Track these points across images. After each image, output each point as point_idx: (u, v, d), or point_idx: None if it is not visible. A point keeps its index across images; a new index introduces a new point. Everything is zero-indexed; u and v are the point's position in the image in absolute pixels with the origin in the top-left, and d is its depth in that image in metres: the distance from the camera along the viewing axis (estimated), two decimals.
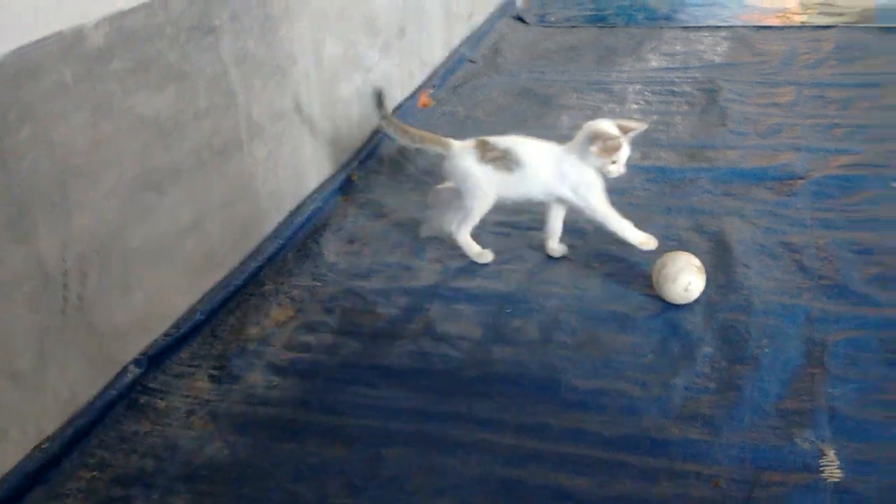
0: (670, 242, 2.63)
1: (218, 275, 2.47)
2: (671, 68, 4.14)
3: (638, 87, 3.94)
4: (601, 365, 2.13)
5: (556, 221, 2.59)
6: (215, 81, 2.38)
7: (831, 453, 1.80)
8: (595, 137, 2.37)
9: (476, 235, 2.76)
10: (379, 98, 2.65)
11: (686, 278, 2.30)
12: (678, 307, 2.33)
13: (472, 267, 2.59)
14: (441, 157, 2.57)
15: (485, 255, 2.58)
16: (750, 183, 2.98)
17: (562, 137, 3.34)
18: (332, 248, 2.73)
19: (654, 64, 4.22)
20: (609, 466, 1.82)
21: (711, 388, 2.03)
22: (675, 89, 3.88)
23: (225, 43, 2.40)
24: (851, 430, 1.88)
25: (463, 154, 2.50)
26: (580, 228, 2.74)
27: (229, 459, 1.91)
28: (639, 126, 2.41)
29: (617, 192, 2.90)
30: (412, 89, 3.80)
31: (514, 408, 2.01)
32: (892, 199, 2.79)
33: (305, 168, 2.93)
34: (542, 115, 3.69)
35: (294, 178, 2.86)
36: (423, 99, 3.86)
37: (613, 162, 2.39)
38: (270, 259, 2.65)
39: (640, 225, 2.73)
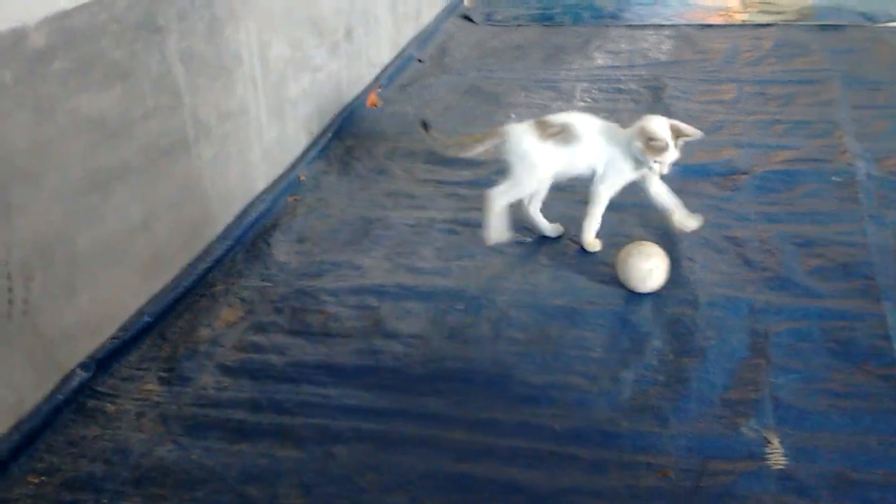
0: (620, 239, 2.66)
1: (167, 276, 2.45)
2: (617, 66, 4.19)
3: (585, 84, 3.98)
4: (551, 359, 2.15)
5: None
6: (161, 81, 2.36)
7: (776, 441, 1.84)
8: (642, 134, 2.39)
9: (424, 233, 2.77)
10: (425, 126, 2.70)
11: (655, 261, 2.35)
12: (626, 301, 2.36)
13: (422, 265, 2.60)
14: (500, 146, 2.57)
15: (496, 233, 2.59)
16: (695, 178, 3.02)
17: None
18: (281, 248, 2.72)
19: (600, 62, 4.27)
20: (560, 459, 1.85)
21: (660, 381, 2.06)
22: (622, 87, 3.92)
23: (171, 42, 2.38)
24: (794, 418, 1.92)
25: (523, 135, 2.53)
26: (527, 225, 2.76)
27: (180, 462, 1.89)
28: (694, 133, 2.42)
29: (569, 188, 2.94)
30: (361, 89, 3.79)
31: (466, 404, 2.02)
32: (831, 193, 2.86)
33: (254, 168, 2.91)
34: (491, 113, 3.70)
35: (242, 179, 2.85)
36: (372, 98, 3.87)
37: (656, 161, 2.41)
38: (220, 260, 2.64)
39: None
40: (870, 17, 4.59)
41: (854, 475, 1.76)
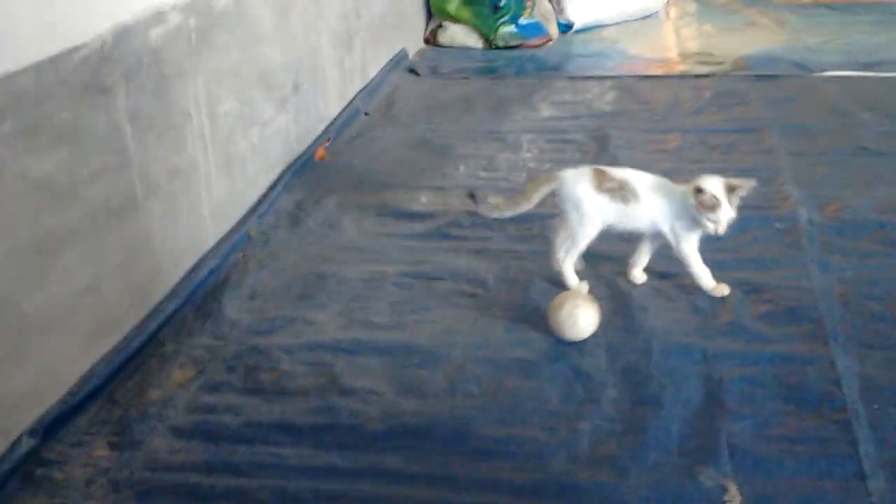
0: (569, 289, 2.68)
1: (116, 337, 2.41)
2: (562, 117, 4.26)
3: (531, 135, 4.03)
4: (508, 412, 2.15)
5: (645, 252, 2.66)
6: (109, 140, 2.34)
7: (733, 489, 1.85)
8: (694, 190, 2.39)
9: (378, 287, 2.77)
10: (472, 198, 2.71)
11: (571, 303, 2.37)
12: (580, 352, 2.37)
13: (376, 320, 2.59)
14: (556, 190, 2.56)
15: (581, 287, 2.60)
16: None
17: (458, 187, 3.41)
18: (232, 305, 2.69)
19: (545, 113, 4.33)
20: None
21: (617, 431, 2.07)
22: (567, 137, 3.98)
23: (118, 102, 2.37)
24: (750, 465, 1.94)
25: (578, 181, 2.53)
26: (480, 278, 2.77)
27: None
28: (747, 184, 2.41)
29: (516, 240, 2.97)
30: (309, 142, 3.80)
31: (424, 460, 2.01)
32: (776, 239, 2.92)
33: (203, 225, 2.89)
34: (440, 165, 3.73)
35: (192, 236, 2.82)
36: (320, 152, 3.87)
37: (711, 221, 2.40)
38: (170, 318, 2.60)
39: (538, 272, 2.80)
40: (804, 67, 4.73)
41: None
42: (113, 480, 1.99)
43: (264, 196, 3.35)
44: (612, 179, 2.53)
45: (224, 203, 3.03)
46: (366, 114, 4.47)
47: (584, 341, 2.42)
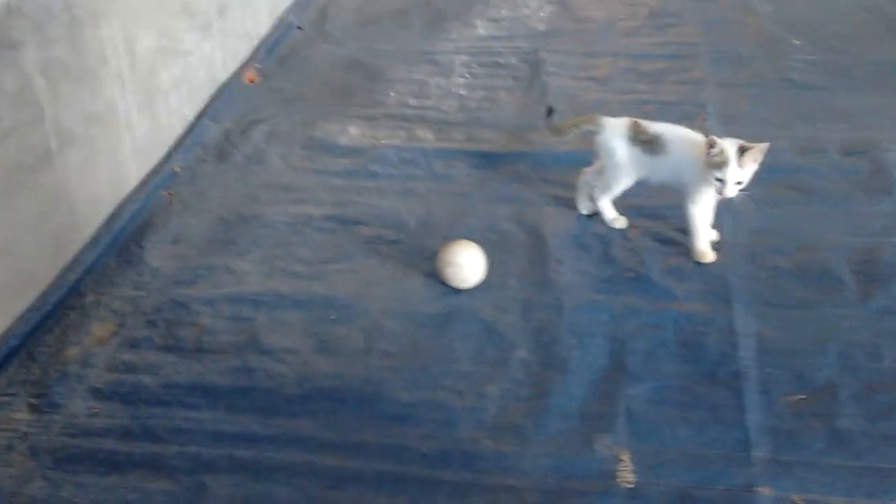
0: (491, 236, 2.74)
1: (33, 293, 2.42)
2: (497, 37, 4.21)
3: (465, 57, 3.99)
4: (421, 374, 2.23)
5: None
6: (20, 97, 2.30)
7: (626, 458, 1.96)
8: (709, 145, 2.40)
9: (301, 231, 2.79)
10: (550, 112, 2.81)
11: (446, 252, 2.46)
12: (495, 308, 2.43)
13: (297, 269, 2.62)
14: (593, 133, 2.64)
15: (619, 221, 2.71)
16: (568, 168, 3.07)
17: (387, 116, 3.41)
18: (155, 252, 2.70)
19: (480, 31, 4.27)
20: (425, 484, 1.93)
21: (523, 395, 2.16)
22: (501, 61, 3.95)
23: (28, 56, 2.31)
24: (645, 432, 2.04)
25: (615, 132, 2.60)
26: (403, 222, 2.81)
27: (50, 500, 1.91)
28: (760, 147, 2.38)
29: (441, 179, 3.00)
30: (237, 66, 3.73)
31: (337, 425, 2.08)
32: None
33: (125, 167, 2.87)
34: (371, 90, 3.70)
35: (114, 180, 2.80)
36: (250, 75, 3.81)
37: (718, 179, 2.40)
38: (91, 268, 2.61)
39: (462, 215, 2.84)
40: None
41: (696, 492, 1.90)
42: (32, 447, 2.04)
43: (191, 129, 3.31)
44: (646, 133, 2.58)
45: (147, 141, 2.99)
46: (299, 28, 4.37)
47: (499, 295, 2.49)
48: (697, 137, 2.52)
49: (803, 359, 2.23)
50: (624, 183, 2.68)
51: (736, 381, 2.17)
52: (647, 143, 2.58)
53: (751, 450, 1.98)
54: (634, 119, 2.65)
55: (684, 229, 2.65)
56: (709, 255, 2.57)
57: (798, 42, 4.01)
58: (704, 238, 2.59)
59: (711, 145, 2.40)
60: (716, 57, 3.92)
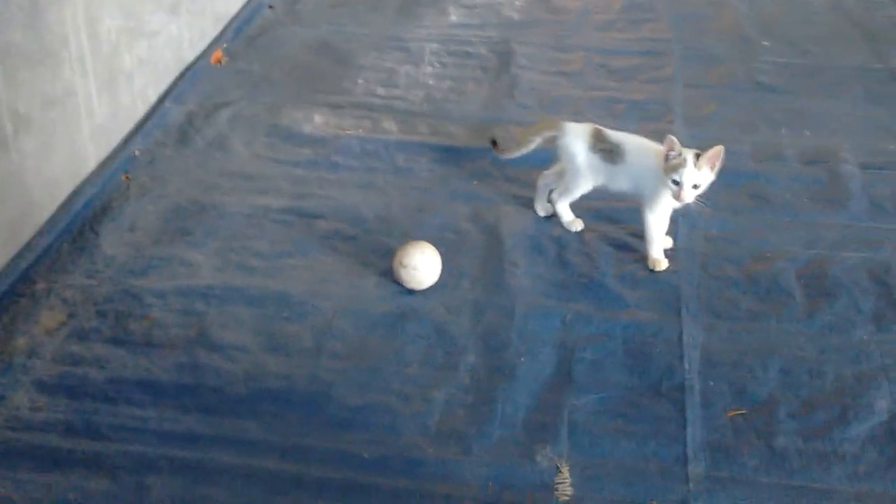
0: (449, 235, 2.74)
1: None
2: (469, 25, 4.19)
3: (435, 45, 3.98)
4: (369, 376, 2.24)
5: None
6: None
7: (566, 470, 1.99)
8: (668, 146, 2.41)
9: (259, 224, 2.79)
10: (494, 144, 2.87)
11: (402, 254, 2.46)
12: (447, 309, 2.45)
13: (252, 263, 2.62)
14: (554, 138, 2.66)
15: (576, 224, 2.74)
16: (530, 166, 3.06)
17: (354, 105, 3.39)
18: (110, 239, 2.69)
19: (453, 18, 4.25)
20: (365, 491, 1.95)
21: (468, 402, 2.17)
22: (471, 51, 3.94)
23: None
24: (586, 444, 2.07)
25: (576, 137, 2.62)
26: (362, 217, 2.81)
27: None
28: (711, 150, 2.39)
29: (403, 173, 2.99)
30: (203, 47, 3.69)
31: (282, 428, 2.09)
32: None
33: (83, 150, 2.84)
34: (339, 76, 3.69)
35: (71, 163, 2.78)
36: (217, 55, 3.78)
37: (674, 182, 2.41)
38: (44, 254, 2.60)
39: (421, 212, 2.84)
40: None
41: None
42: None
43: (153, 110, 3.28)
44: (606, 141, 2.59)
45: (107, 124, 2.97)
46: (270, 6, 4.34)
47: (452, 297, 2.50)
48: (657, 147, 2.53)
49: (746, 373, 2.26)
50: (583, 187, 2.69)
51: (679, 393, 2.20)
52: (607, 152, 2.59)
53: (688, 465, 2.01)
54: (597, 126, 2.65)
55: (640, 234, 2.67)
56: (662, 263, 2.59)
57: (767, 43, 4.03)
58: (660, 246, 2.61)
59: (671, 147, 2.40)
60: (686, 55, 3.93)
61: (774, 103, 3.56)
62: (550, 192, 2.77)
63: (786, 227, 2.81)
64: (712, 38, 4.12)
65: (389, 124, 3.35)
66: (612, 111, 3.50)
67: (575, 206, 2.77)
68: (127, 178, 2.98)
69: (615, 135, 2.63)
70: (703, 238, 2.75)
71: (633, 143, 2.60)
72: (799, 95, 3.61)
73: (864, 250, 2.69)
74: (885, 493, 1.95)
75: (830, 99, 3.58)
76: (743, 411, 2.15)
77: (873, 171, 3.09)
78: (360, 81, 3.66)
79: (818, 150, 3.20)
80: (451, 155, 3.17)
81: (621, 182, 2.62)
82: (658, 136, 3.12)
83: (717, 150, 2.40)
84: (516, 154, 2.83)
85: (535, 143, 2.76)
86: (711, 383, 2.23)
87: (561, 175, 2.73)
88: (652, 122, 3.42)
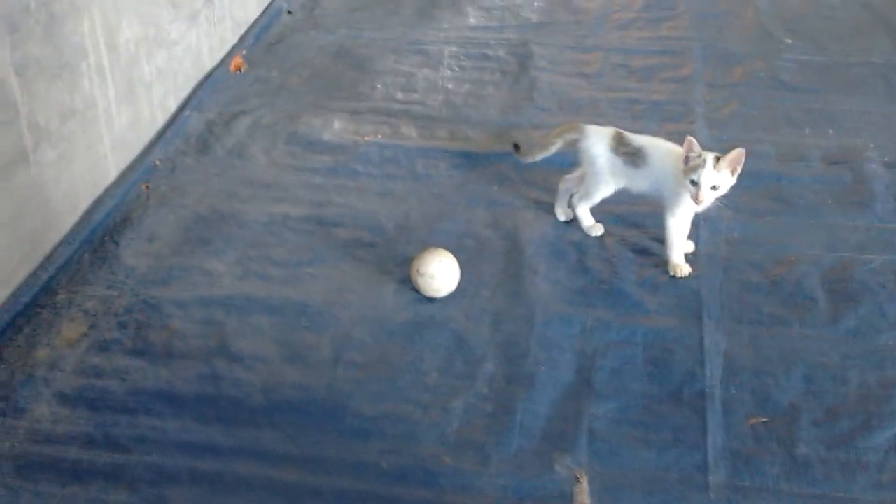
0: (468, 241, 2.74)
1: (5, 292, 2.42)
2: (488, 27, 4.18)
3: (454, 48, 3.97)
4: (387, 386, 2.23)
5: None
6: None
7: (584, 480, 1.97)
8: (687, 147, 2.40)
9: (278, 232, 2.79)
10: (516, 148, 2.86)
11: (419, 262, 2.45)
12: (466, 317, 2.44)
13: (272, 272, 2.62)
14: (576, 141, 2.65)
15: (596, 229, 2.72)
16: (549, 170, 3.06)
17: (373, 111, 3.39)
18: (131, 249, 2.70)
19: (472, 21, 4.24)
20: (384, 502, 1.94)
21: (487, 411, 2.16)
22: (490, 53, 3.93)
23: (3, 56, 2.30)
24: (606, 454, 2.05)
25: (598, 140, 2.61)
26: (381, 225, 2.81)
27: None
28: (732, 152, 2.38)
29: (422, 179, 2.99)
30: (223, 55, 3.71)
31: (300, 439, 2.09)
32: None
33: (104, 161, 2.86)
34: (357, 82, 3.69)
35: (91, 174, 2.80)
36: (237, 62, 3.79)
37: (693, 183, 2.39)
38: (65, 265, 2.61)
39: (441, 219, 2.84)
40: None
41: None
42: None
43: (172, 119, 3.30)
44: (628, 144, 2.58)
45: (127, 134, 2.99)
46: (289, 12, 4.35)
47: (471, 305, 2.49)
48: (679, 150, 2.51)
49: (768, 380, 2.23)
50: (603, 191, 2.67)
51: (700, 401, 2.18)
52: (629, 155, 2.57)
53: (708, 474, 1.99)
54: (618, 130, 2.64)
55: (661, 239, 2.65)
56: (684, 269, 2.57)
57: (790, 41, 3.98)
58: (680, 251, 2.59)
59: (690, 148, 2.39)
60: (707, 54, 3.90)
61: (797, 102, 3.52)
62: (571, 196, 2.75)
63: (809, 230, 2.78)
64: (733, 35, 4.08)
65: (408, 130, 3.35)
66: (632, 112, 3.48)
67: (595, 211, 2.76)
68: (147, 187, 2.99)
69: (637, 138, 2.61)
70: (724, 242, 2.73)
71: (655, 146, 2.58)
72: (822, 94, 3.57)
73: (889, 252, 2.65)
74: None
75: (854, 97, 3.54)
76: (765, 419, 2.12)
77: None
78: (378, 87, 3.66)
79: (842, 150, 3.16)
80: (470, 160, 3.17)
81: (642, 185, 2.60)
82: (678, 138, 3.08)
83: (738, 154, 2.38)
84: (538, 157, 2.81)
85: (557, 145, 2.74)
86: (733, 390, 2.21)
87: (582, 179, 2.71)
88: (672, 123, 3.40)
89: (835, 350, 2.31)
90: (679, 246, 2.58)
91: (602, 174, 2.63)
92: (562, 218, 2.80)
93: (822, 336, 2.35)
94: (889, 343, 2.33)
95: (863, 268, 2.58)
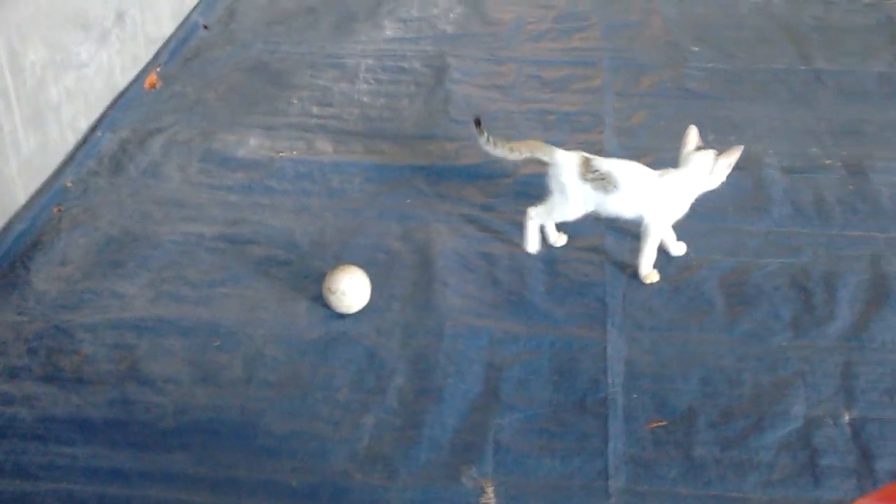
0: (380, 256, 2.78)
1: None
2: (405, 39, 4.22)
3: (371, 61, 4.00)
4: (299, 404, 2.27)
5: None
6: None
7: (490, 490, 2.03)
8: (728, 157, 2.55)
9: (191, 252, 2.80)
10: (477, 124, 2.76)
11: (330, 279, 2.49)
12: (378, 332, 2.48)
13: (184, 293, 2.63)
14: (544, 164, 2.66)
15: (532, 246, 2.75)
16: (462, 182, 3.14)
17: (288, 126, 3.41)
18: (41, 274, 2.70)
19: (389, 33, 4.28)
20: None
21: (397, 425, 2.21)
22: (406, 66, 3.97)
23: None
24: (511, 463, 2.11)
25: (566, 166, 2.61)
26: (295, 242, 2.83)
27: None
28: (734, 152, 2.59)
29: (336, 195, 3.02)
30: (136, 73, 3.70)
31: (211, 460, 2.11)
32: None
33: (11, 185, 2.84)
34: (274, 97, 3.70)
35: None
36: (151, 79, 3.78)
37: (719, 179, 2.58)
38: None
39: (354, 234, 2.87)
40: None
41: None
42: None
43: (84, 140, 3.28)
44: (596, 170, 2.59)
45: (35, 157, 2.97)
46: (205, 27, 4.34)
47: (383, 319, 2.54)
48: (648, 171, 2.60)
49: (667, 384, 2.31)
50: (570, 215, 2.70)
51: (602, 408, 2.25)
52: (598, 181, 2.60)
53: (609, 480, 2.07)
54: (584, 155, 2.65)
55: (569, 248, 2.73)
56: (654, 276, 2.66)
57: (696, 49, 4.10)
58: (651, 261, 2.67)
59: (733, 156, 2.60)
60: (617, 64, 3.99)
61: (702, 110, 3.63)
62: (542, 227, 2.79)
63: (711, 235, 2.87)
64: (642, 45, 4.18)
65: (324, 145, 3.38)
66: (544, 123, 3.56)
67: (512, 223, 2.81)
68: (59, 210, 2.98)
69: (605, 162, 2.63)
70: (629, 250, 2.80)
71: (626, 169, 2.61)
72: (726, 101, 3.68)
73: (785, 256, 2.76)
74: (797, 500, 2.01)
75: (756, 103, 3.66)
76: (663, 423, 2.20)
77: (796, 174, 3.16)
78: (294, 101, 3.68)
79: (743, 156, 3.25)
80: (384, 174, 3.21)
81: (615, 209, 2.64)
82: (588, 148, 3.17)
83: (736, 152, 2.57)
84: (496, 152, 2.76)
85: (522, 156, 2.73)
86: (634, 396, 2.29)
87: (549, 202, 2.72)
88: (583, 133, 3.48)
89: (731, 353, 2.41)
90: (652, 257, 2.66)
91: (571, 200, 2.65)
92: (532, 250, 2.79)
93: (719, 339, 2.45)
94: (782, 344, 2.43)
95: (759, 271, 2.68)
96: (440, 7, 4.58)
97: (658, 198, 2.58)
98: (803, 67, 3.93)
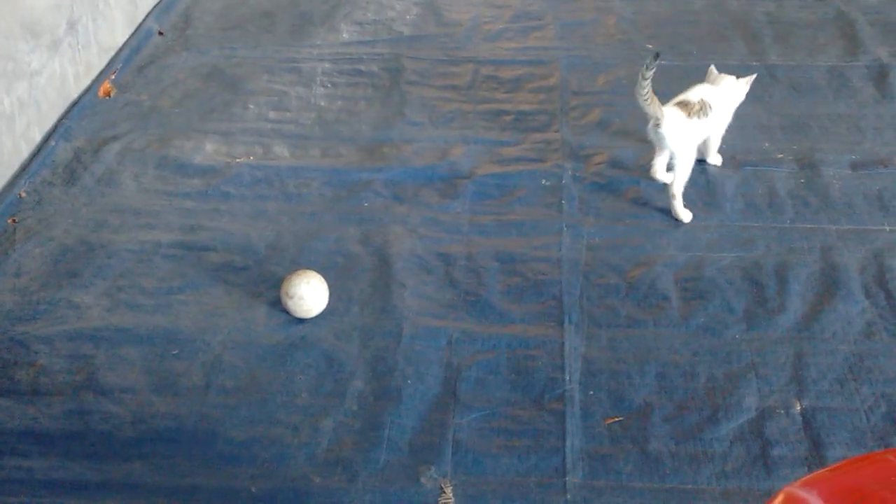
0: (338, 259, 2.79)
1: None
2: (361, 42, 4.22)
3: (327, 65, 4.00)
4: (258, 409, 2.27)
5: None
6: None
7: (449, 490, 2.05)
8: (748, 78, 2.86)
9: (148, 260, 2.79)
10: (656, 57, 2.77)
11: (287, 284, 2.51)
12: (336, 336, 2.49)
13: (141, 301, 2.63)
14: (656, 123, 2.80)
15: (686, 215, 2.90)
16: (419, 184, 3.15)
17: (245, 132, 3.41)
18: None
19: (345, 36, 4.28)
20: None
21: (356, 428, 2.22)
22: (363, 68, 3.98)
23: None
24: (469, 462, 2.13)
25: (674, 117, 2.80)
26: (253, 247, 2.83)
27: None
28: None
29: (294, 199, 3.03)
30: (90, 81, 3.67)
31: (170, 469, 2.11)
32: (540, 199, 3.05)
33: None
34: (230, 103, 3.69)
35: None
36: (105, 87, 3.75)
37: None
38: None
39: (312, 238, 2.88)
40: None
41: None
42: None
43: (38, 150, 3.26)
44: (692, 104, 2.83)
45: None
46: (160, 33, 4.32)
47: (341, 323, 2.55)
48: (712, 86, 2.94)
49: (624, 380, 2.35)
50: (694, 157, 2.90)
51: (560, 405, 2.28)
52: (699, 112, 2.82)
53: (566, 476, 2.09)
54: (677, 100, 2.88)
55: (525, 246, 2.75)
56: (687, 213, 2.88)
57: (650, 46, 4.13)
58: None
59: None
60: (572, 63, 4.02)
61: None
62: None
63: (665, 231, 2.91)
64: (597, 43, 4.21)
65: (280, 149, 3.38)
66: (500, 123, 3.58)
67: (466, 224, 2.83)
68: (14, 221, 2.96)
69: (691, 95, 2.86)
70: (585, 248, 2.84)
71: (706, 92, 2.89)
72: None
73: (737, 250, 2.80)
74: (750, 490, 2.05)
75: None
76: (620, 418, 2.23)
77: (749, 168, 3.21)
78: (251, 107, 3.67)
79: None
80: (341, 177, 3.21)
81: (707, 131, 2.96)
82: (545, 147, 3.23)
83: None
84: (642, 93, 2.78)
85: (647, 110, 2.81)
86: (591, 392, 2.32)
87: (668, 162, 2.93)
88: (539, 132, 3.51)
89: (685, 347, 2.44)
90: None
91: (690, 142, 2.85)
92: (666, 179, 2.98)
93: (674, 334, 2.48)
94: (736, 337, 2.47)
95: (713, 266, 2.72)
96: (396, 9, 4.58)
97: (736, 100, 2.95)
98: (756, 63, 3.98)
